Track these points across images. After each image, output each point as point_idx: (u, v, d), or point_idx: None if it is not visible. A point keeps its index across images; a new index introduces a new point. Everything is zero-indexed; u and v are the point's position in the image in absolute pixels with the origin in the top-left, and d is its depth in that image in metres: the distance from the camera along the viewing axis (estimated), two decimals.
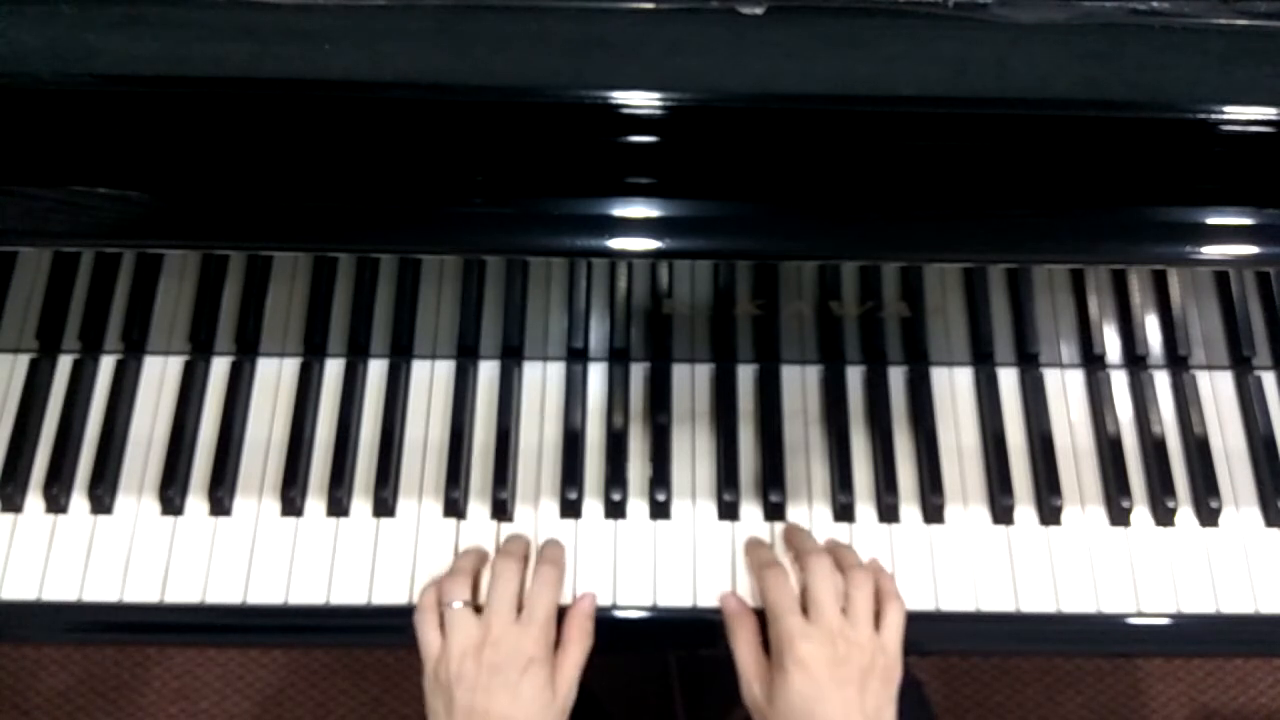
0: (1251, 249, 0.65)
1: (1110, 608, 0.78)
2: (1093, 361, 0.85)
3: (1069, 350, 0.85)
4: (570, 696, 0.72)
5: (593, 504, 0.81)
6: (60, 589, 0.77)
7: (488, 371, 0.85)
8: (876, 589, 0.73)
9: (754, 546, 0.78)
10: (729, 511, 0.80)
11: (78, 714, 1.44)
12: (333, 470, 0.80)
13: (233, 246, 0.69)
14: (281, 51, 0.63)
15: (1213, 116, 0.63)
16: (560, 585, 0.75)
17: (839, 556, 0.75)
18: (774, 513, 0.80)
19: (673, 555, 0.79)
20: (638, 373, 0.85)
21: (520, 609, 0.72)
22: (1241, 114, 0.63)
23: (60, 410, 0.83)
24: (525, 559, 0.76)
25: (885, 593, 0.73)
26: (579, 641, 0.74)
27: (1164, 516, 0.81)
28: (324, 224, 0.64)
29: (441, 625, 0.72)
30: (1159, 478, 0.81)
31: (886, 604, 0.72)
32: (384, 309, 0.80)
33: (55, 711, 1.44)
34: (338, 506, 0.80)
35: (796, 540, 0.77)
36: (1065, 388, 0.85)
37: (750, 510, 0.80)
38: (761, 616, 0.74)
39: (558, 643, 0.73)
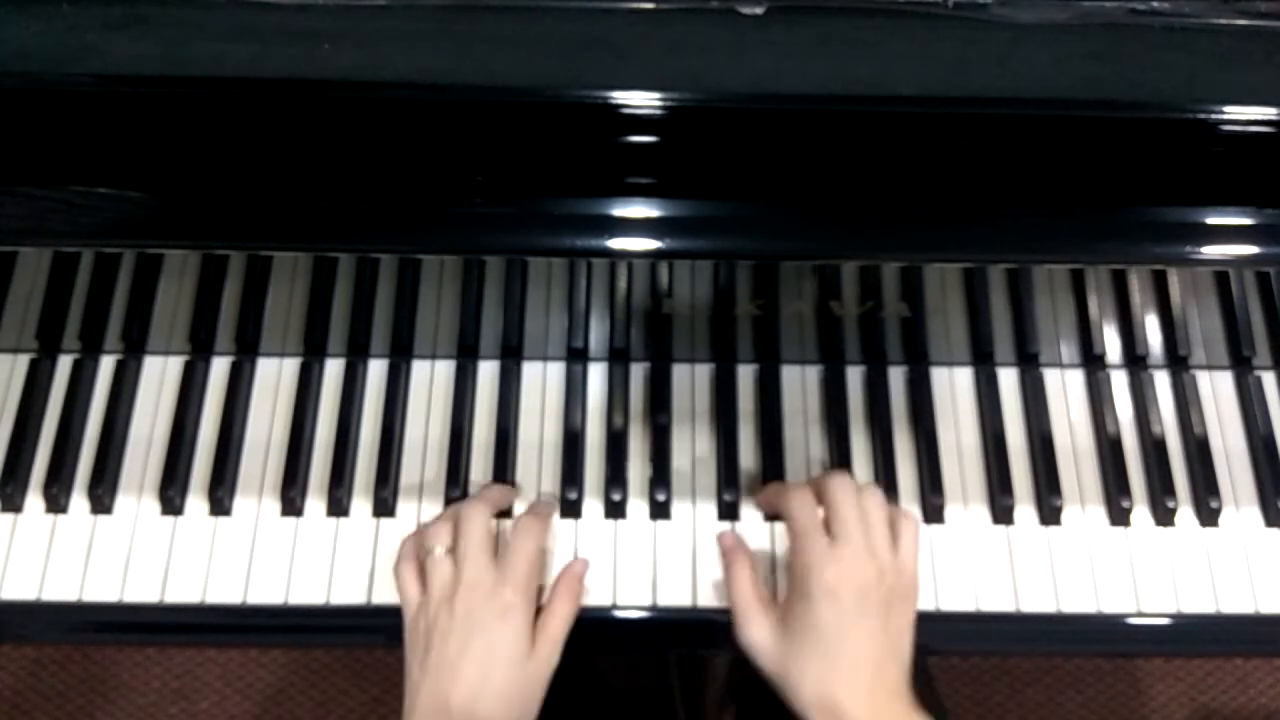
0: (1251, 249, 0.65)
1: (1110, 608, 0.78)
2: (1093, 361, 0.85)
3: (1069, 350, 0.85)
4: (552, 659, 0.69)
5: (593, 504, 0.81)
6: (60, 589, 0.77)
7: (488, 371, 0.85)
8: (891, 514, 0.72)
9: (769, 486, 0.77)
10: (729, 511, 0.80)
11: (78, 714, 1.44)
12: (333, 470, 0.80)
13: (233, 246, 0.69)
14: (281, 51, 0.63)
15: (1213, 116, 0.63)
16: (543, 535, 0.73)
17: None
18: (774, 513, 0.80)
19: (673, 555, 0.79)
20: (638, 373, 0.85)
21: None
22: (1241, 114, 0.63)
23: (60, 410, 0.83)
24: (498, 503, 0.75)
25: (895, 513, 0.72)
26: (565, 601, 0.72)
27: (1164, 516, 0.81)
28: (324, 224, 0.64)
29: (421, 575, 0.70)
30: (1159, 478, 0.81)
31: (900, 522, 0.71)
32: (384, 309, 0.80)
33: (55, 711, 1.45)
34: (338, 506, 0.80)
35: (809, 481, 0.74)
36: (1065, 388, 0.85)
37: (750, 510, 0.80)
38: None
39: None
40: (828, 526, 0.69)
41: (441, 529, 0.71)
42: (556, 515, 0.80)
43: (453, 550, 0.70)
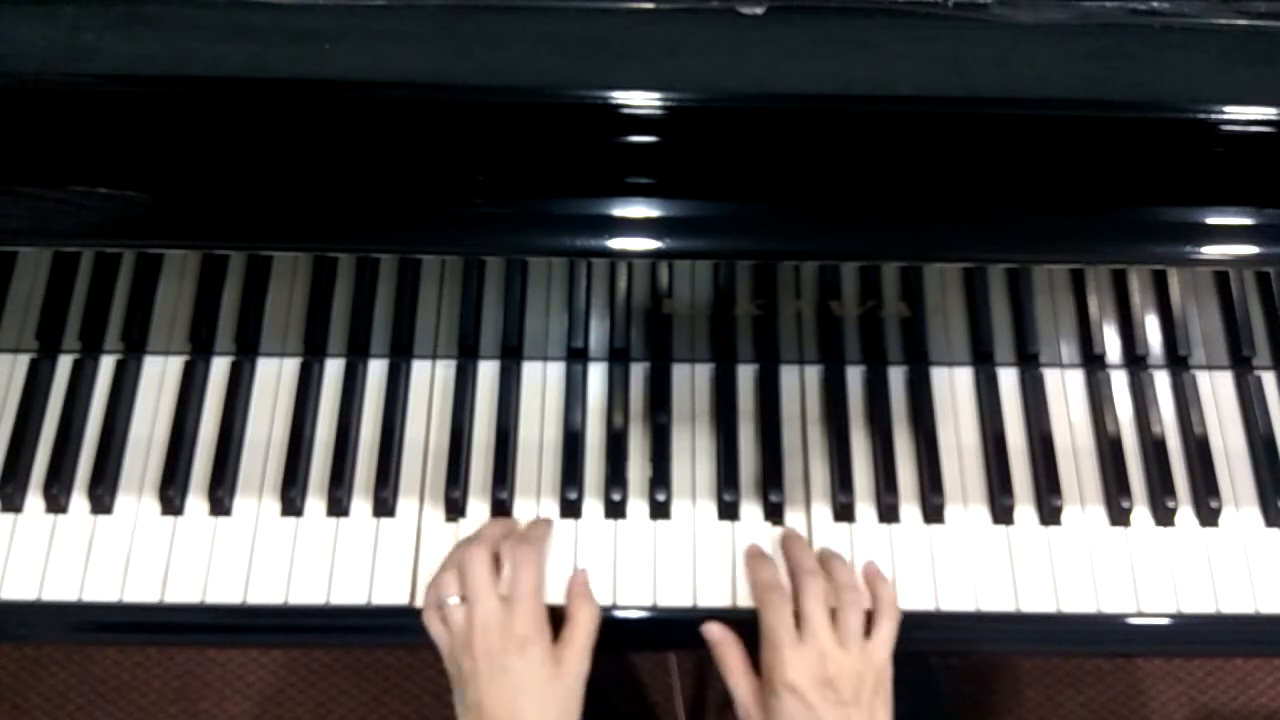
0: (1251, 249, 0.65)
1: (1110, 608, 0.78)
2: (1093, 361, 0.85)
3: (1069, 350, 0.85)
4: (583, 666, 0.72)
5: (593, 504, 0.81)
6: (60, 589, 0.77)
7: (488, 371, 0.85)
8: (874, 597, 0.74)
9: (755, 560, 0.77)
10: (729, 511, 0.80)
11: (78, 714, 1.44)
12: (333, 470, 0.80)
13: (233, 246, 0.69)
14: (281, 51, 0.63)
15: (1213, 116, 0.63)
16: (540, 561, 0.74)
17: (832, 571, 0.75)
18: (774, 513, 0.80)
19: (673, 555, 0.79)
20: (638, 373, 0.85)
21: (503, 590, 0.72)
22: (1241, 114, 0.63)
23: (60, 410, 0.83)
24: (498, 539, 0.76)
25: (882, 602, 0.74)
26: (583, 610, 0.74)
27: (1164, 516, 0.81)
28: (324, 224, 0.64)
29: (446, 622, 0.72)
30: (1159, 478, 0.81)
31: (881, 615, 0.73)
32: (384, 309, 0.80)
33: (55, 711, 1.44)
34: (338, 506, 0.80)
35: (793, 553, 0.77)
36: (1065, 388, 0.85)
37: (750, 510, 0.80)
38: (749, 632, 0.74)
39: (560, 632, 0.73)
40: (798, 619, 0.71)
41: (449, 579, 0.73)
42: (556, 515, 0.80)
43: (464, 597, 0.72)
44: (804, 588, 0.72)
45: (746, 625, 0.75)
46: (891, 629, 0.73)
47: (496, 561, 0.73)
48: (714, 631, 0.75)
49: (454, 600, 0.72)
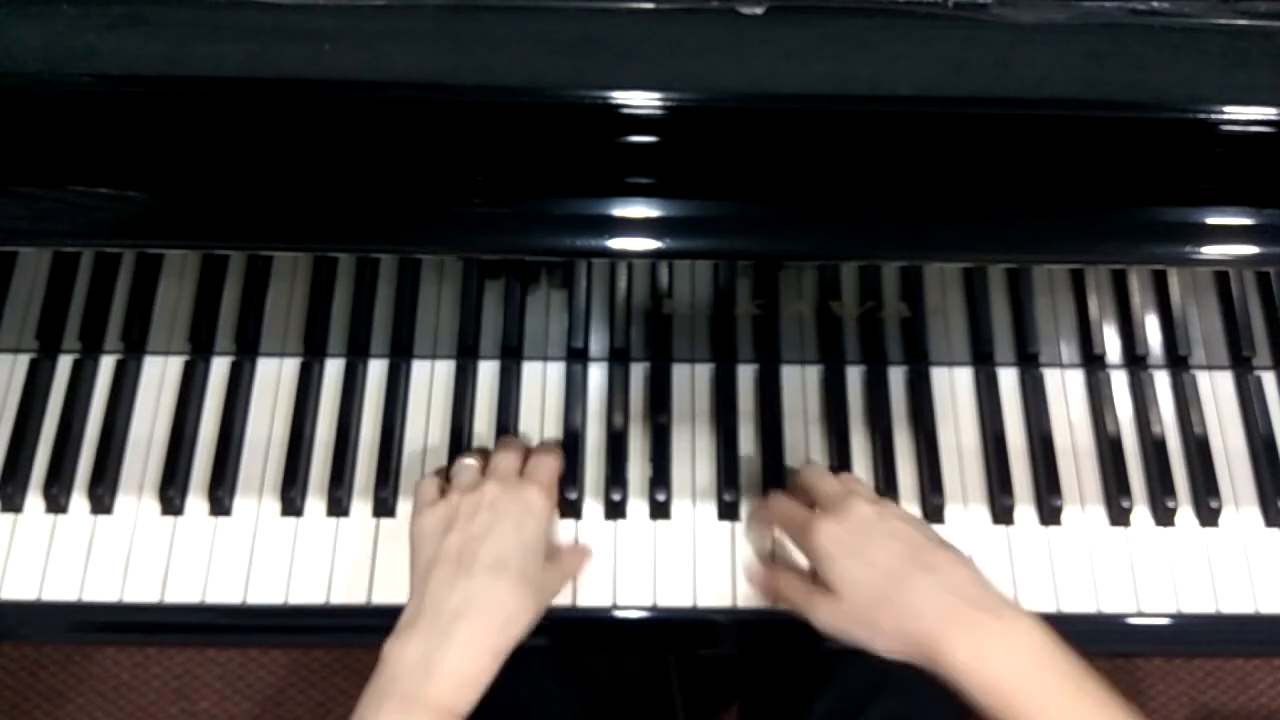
0: (1251, 249, 0.65)
1: (1110, 608, 0.78)
2: (1093, 361, 0.85)
3: (1069, 350, 0.85)
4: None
5: (592, 504, 0.81)
6: (60, 589, 0.77)
7: (488, 371, 0.85)
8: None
9: (758, 507, 0.79)
10: (729, 511, 0.80)
11: (78, 714, 1.44)
12: (333, 470, 0.80)
13: (233, 246, 0.69)
14: (281, 51, 0.63)
15: (1213, 116, 0.63)
16: (561, 462, 0.78)
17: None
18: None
19: (673, 555, 0.79)
20: (638, 373, 0.85)
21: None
22: (1241, 114, 0.63)
23: (60, 410, 0.83)
24: (525, 449, 0.79)
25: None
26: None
27: (1164, 516, 0.81)
28: (324, 224, 0.64)
29: (441, 492, 0.74)
30: (1159, 478, 0.81)
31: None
32: (384, 309, 0.80)
33: (55, 712, 1.44)
34: (338, 506, 0.80)
35: (792, 480, 0.79)
36: (1065, 388, 0.85)
37: (750, 510, 0.80)
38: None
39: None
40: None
41: (471, 456, 0.76)
42: (556, 515, 0.80)
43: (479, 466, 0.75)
44: (805, 472, 0.76)
45: (749, 628, 0.75)
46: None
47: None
48: (759, 578, 0.76)
49: (470, 460, 0.75)
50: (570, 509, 0.80)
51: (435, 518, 0.71)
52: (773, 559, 0.78)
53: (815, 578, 0.71)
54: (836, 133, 0.65)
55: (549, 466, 0.76)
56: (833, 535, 0.68)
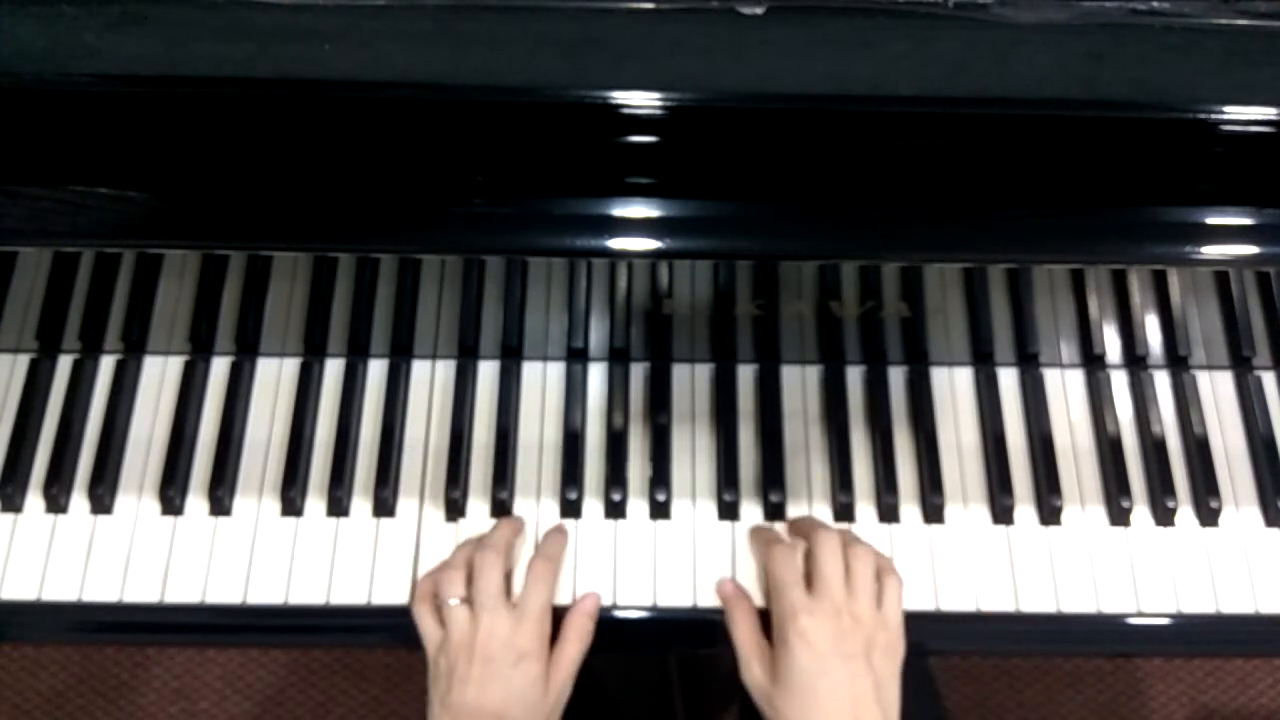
0: (1251, 249, 0.65)
1: (1110, 608, 0.78)
2: (1093, 361, 0.85)
3: (1069, 350, 0.85)
4: (564, 694, 0.72)
5: (593, 504, 0.81)
6: (60, 589, 0.77)
7: (488, 371, 0.85)
8: (875, 566, 0.73)
9: (757, 530, 0.79)
10: (729, 511, 0.80)
11: (78, 714, 1.44)
12: (333, 470, 0.80)
13: (233, 246, 0.69)
14: (281, 51, 0.63)
15: (1213, 116, 0.63)
16: (555, 580, 0.75)
17: (840, 534, 0.75)
18: (774, 513, 0.80)
19: (673, 555, 0.79)
20: (638, 373, 0.85)
21: (514, 599, 0.73)
22: (1241, 114, 0.63)
23: (60, 410, 0.83)
24: (511, 545, 0.76)
25: (883, 569, 0.73)
26: (577, 641, 0.74)
27: (1164, 516, 0.81)
28: (324, 224, 0.64)
29: (438, 615, 0.72)
30: (1159, 478, 0.81)
31: (885, 579, 0.72)
32: (384, 309, 0.80)
33: (55, 711, 1.44)
34: (338, 506, 0.80)
35: (801, 524, 0.77)
36: (1065, 388, 0.85)
37: (750, 510, 0.80)
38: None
39: (555, 640, 0.73)
40: (809, 579, 0.71)
41: (454, 577, 0.73)
42: (556, 515, 0.80)
43: (468, 599, 0.72)
44: (817, 542, 0.72)
45: None
46: (898, 589, 0.72)
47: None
48: (727, 588, 0.76)
49: (455, 601, 0.71)
50: (570, 509, 0.80)
51: (437, 667, 0.71)
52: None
53: (767, 628, 0.72)
54: (836, 133, 0.65)
55: (538, 595, 0.73)
56: (805, 632, 0.68)
